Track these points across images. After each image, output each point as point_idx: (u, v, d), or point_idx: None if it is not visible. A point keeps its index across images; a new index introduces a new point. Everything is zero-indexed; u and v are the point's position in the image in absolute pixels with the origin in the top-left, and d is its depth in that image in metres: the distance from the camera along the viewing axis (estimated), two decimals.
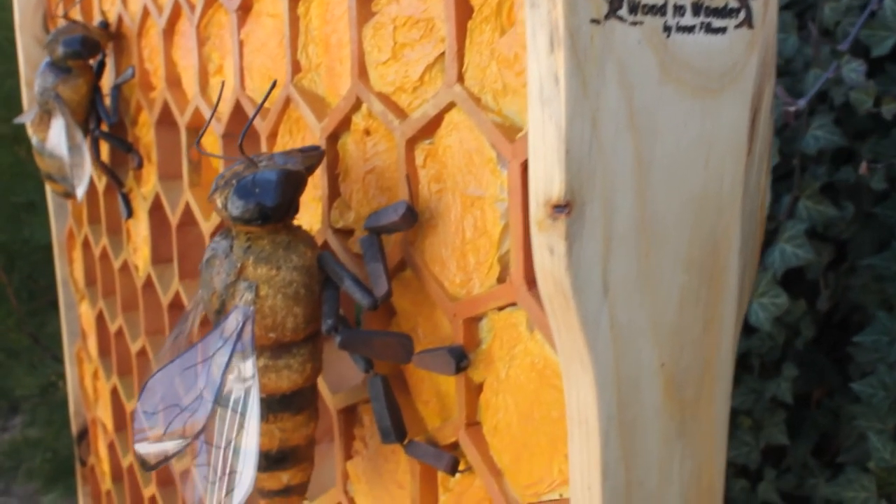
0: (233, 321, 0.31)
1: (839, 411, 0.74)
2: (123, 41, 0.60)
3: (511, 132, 0.27)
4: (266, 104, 0.42)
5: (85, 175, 0.59)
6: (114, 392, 0.73)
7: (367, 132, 0.35)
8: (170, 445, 0.32)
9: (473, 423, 0.30)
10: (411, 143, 0.31)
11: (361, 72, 0.34)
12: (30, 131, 0.63)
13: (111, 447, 0.77)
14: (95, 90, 0.60)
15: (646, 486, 0.24)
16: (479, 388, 0.30)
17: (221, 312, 0.32)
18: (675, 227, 0.24)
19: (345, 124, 0.36)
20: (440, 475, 0.33)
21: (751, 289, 0.26)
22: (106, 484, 0.80)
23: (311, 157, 0.32)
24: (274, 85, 0.31)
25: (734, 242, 0.25)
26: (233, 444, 0.31)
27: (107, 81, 0.62)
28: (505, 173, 0.27)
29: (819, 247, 0.66)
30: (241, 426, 0.31)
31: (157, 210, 0.59)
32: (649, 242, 0.23)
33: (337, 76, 0.37)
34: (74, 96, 0.60)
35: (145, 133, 0.60)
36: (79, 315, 0.81)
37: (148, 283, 0.62)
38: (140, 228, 0.63)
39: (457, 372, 0.29)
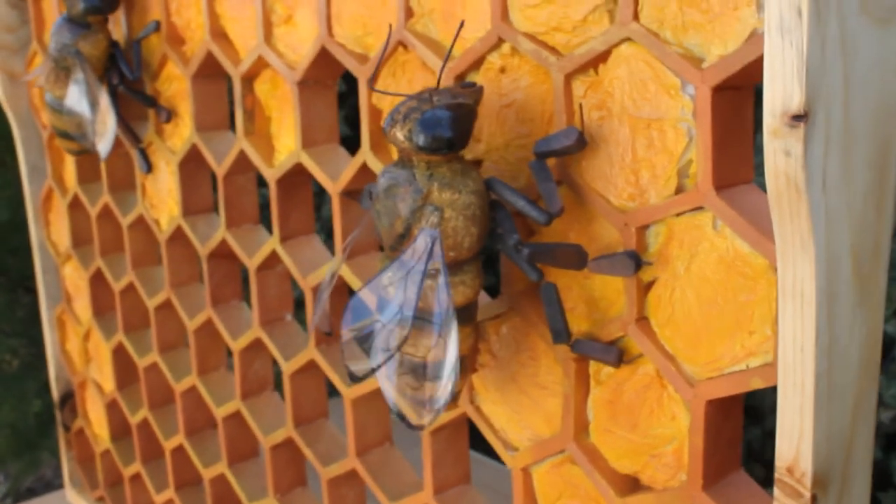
0: (422, 242, 0.35)
1: None
2: None
3: (695, 62, 0.31)
4: (362, 50, 0.45)
5: (109, 131, 0.60)
6: (117, 350, 0.74)
7: (503, 70, 0.39)
8: (374, 358, 0.35)
9: (641, 319, 0.35)
10: (569, 77, 0.35)
11: (503, 14, 0.37)
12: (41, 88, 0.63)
13: (111, 406, 0.77)
14: (114, 45, 0.61)
15: (840, 344, 0.30)
16: (647, 287, 0.35)
17: (406, 236, 0.35)
18: (863, 133, 0.29)
19: (475, 64, 0.39)
20: (592, 371, 0.38)
21: None
22: (101, 445, 0.80)
23: (475, 92, 0.36)
24: (462, 25, 0.34)
25: (895, 144, 0.30)
26: (432, 354, 0.35)
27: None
28: (686, 97, 0.32)
29: None
30: (438, 337, 0.35)
31: (189, 162, 0.60)
32: (849, 145, 0.28)
33: (457, 20, 0.40)
34: (95, 52, 0.60)
35: (168, 87, 0.61)
36: (62, 278, 0.80)
37: (175, 236, 0.63)
38: (161, 182, 0.64)
39: (635, 272, 0.34)
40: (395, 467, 0.51)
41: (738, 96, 0.32)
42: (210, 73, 0.57)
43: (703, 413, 0.33)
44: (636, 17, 0.33)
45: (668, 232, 0.34)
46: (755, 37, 0.30)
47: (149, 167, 0.64)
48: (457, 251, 0.36)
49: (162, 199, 0.64)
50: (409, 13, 0.42)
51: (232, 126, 0.59)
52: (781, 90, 0.27)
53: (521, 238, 0.36)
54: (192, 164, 0.61)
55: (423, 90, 0.37)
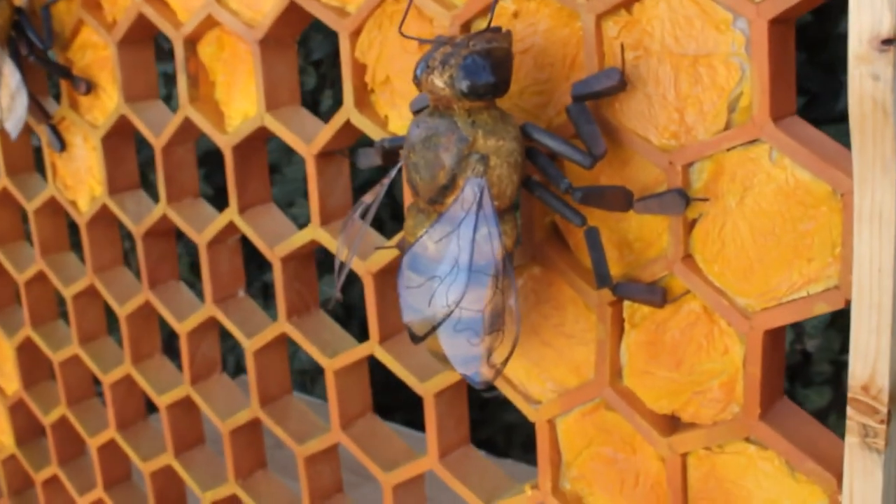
0: (469, 193, 0.34)
1: None
2: None
3: None
4: (338, 3, 0.43)
5: (18, 108, 0.55)
6: (23, 347, 0.68)
7: (515, 15, 0.38)
8: (435, 315, 0.33)
9: (686, 257, 0.35)
10: (599, 18, 0.35)
11: None
12: None
13: (17, 408, 0.71)
14: (19, 12, 0.55)
15: None
16: (690, 224, 0.35)
17: (449, 187, 0.34)
18: None
19: (483, 11, 0.38)
20: (627, 314, 0.38)
21: None
22: (2, 452, 0.74)
23: (507, 36, 0.35)
24: None
25: None
26: (490, 306, 0.34)
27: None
28: (738, 31, 0.32)
29: None
30: (495, 287, 0.34)
31: (113, 136, 0.56)
32: None
33: None
34: None
35: (82, 56, 0.56)
36: None
37: (98, 217, 0.59)
38: (79, 161, 0.59)
39: (685, 210, 0.34)
40: (381, 437, 0.50)
41: (787, 29, 0.32)
42: (139, 37, 0.53)
43: (761, 343, 0.34)
44: None
45: (716, 167, 0.34)
46: None
47: (62, 145, 0.59)
48: (500, 200, 0.34)
49: (80, 178, 0.59)
50: None
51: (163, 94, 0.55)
52: (870, 16, 0.28)
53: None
54: (116, 138, 0.56)
55: (452, 35, 0.35)
